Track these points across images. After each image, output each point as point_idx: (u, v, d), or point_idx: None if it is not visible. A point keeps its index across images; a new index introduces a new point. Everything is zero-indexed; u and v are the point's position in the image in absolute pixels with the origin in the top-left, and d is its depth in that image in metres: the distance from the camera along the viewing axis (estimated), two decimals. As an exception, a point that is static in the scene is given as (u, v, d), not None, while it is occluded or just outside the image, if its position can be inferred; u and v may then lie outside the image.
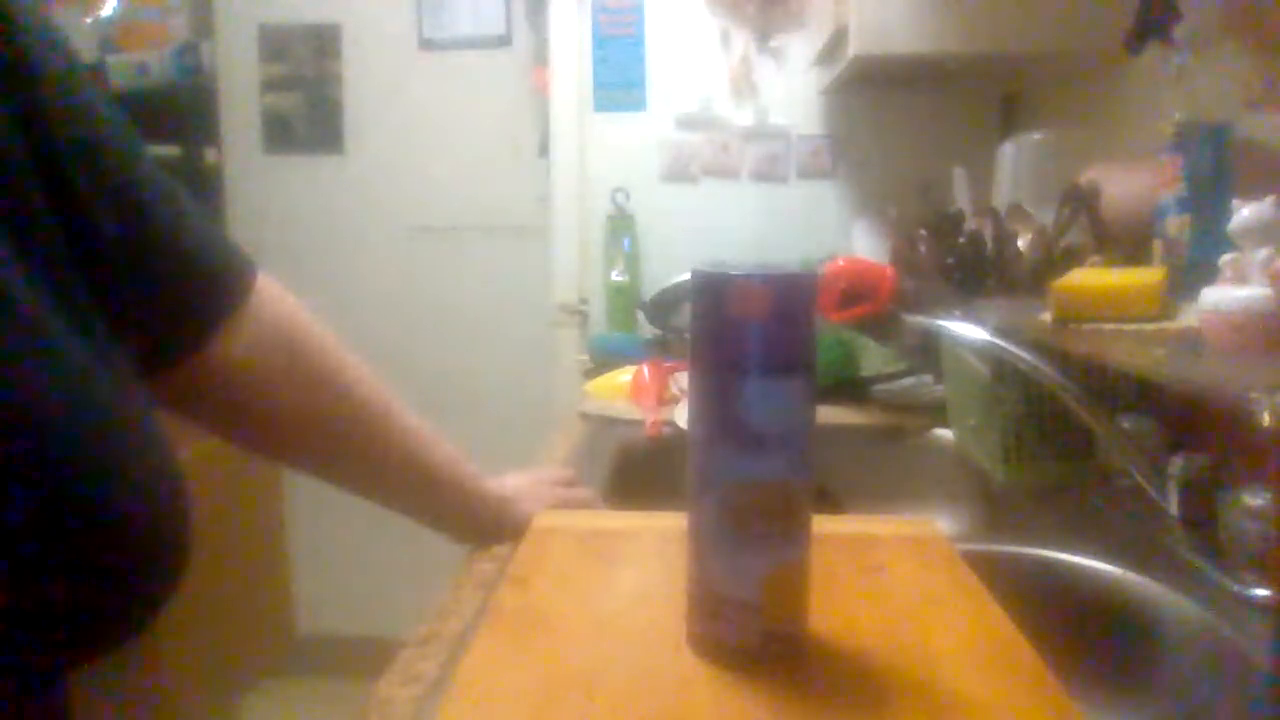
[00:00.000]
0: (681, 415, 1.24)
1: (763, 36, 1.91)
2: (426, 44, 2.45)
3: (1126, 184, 1.07)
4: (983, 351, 0.95)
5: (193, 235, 0.54)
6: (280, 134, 2.53)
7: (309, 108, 2.51)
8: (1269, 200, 0.70)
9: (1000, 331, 0.85)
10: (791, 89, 1.92)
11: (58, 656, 0.38)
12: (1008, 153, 1.50)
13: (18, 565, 0.35)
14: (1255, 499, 0.68)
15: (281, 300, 0.63)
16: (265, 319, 0.61)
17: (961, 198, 1.57)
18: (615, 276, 1.92)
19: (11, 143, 0.40)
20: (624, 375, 1.44)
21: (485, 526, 0.76)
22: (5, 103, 0.40)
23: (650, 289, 1.80)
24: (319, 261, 2.52)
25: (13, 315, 0.37)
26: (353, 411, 0.67)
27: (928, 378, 1.35)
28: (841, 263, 1.32)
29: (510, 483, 0.80)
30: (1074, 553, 0.77)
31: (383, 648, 0.62)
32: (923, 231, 1.35)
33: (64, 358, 0.39)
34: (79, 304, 0.41)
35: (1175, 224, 0.91)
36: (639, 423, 1.27)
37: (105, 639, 0.40)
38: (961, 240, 1.27)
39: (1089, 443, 0.93)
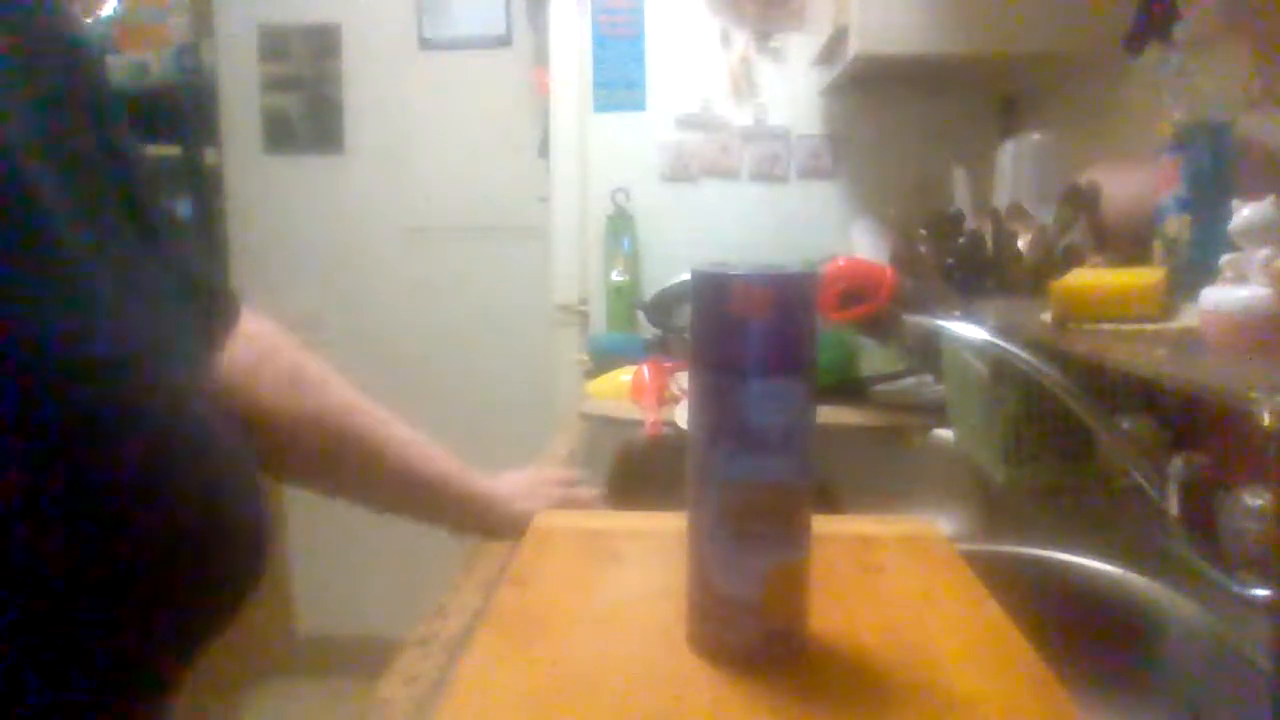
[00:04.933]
0: (681, 415, 1.24)
1: (763, 36, 1.91)
2: (426, 44, 2.45)
3: (1126, 184, 1.06)
4: (983, 351, 0.95)
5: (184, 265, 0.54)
6: (280, 134, 2.53)
7: (309, 108, 2.51)
8: (1269, 200, 0.69)
9: (1000, 331, 0.85)
10: (791, 89, 1.92)
11: (168, 661, 0.39)
12: (1008, 153, 1.50)
13: (135, 574, 0.35)
14: (1255, 499, 0.68)
15: (270, 335, 0.64)
16: (256, 351, 0.61)
17: (961, 198, 1.57)
18: (615, 276, 1.91)
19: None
20: (624, 375, 1.44)
21: (482, 525, 0.76)
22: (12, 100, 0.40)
23: (650, 289, 1.80)
24: (319, 261, 2.52)
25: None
26: (343, 433, 0.68)
27: (928, 378, 1.35)
28: (841, 263, 1.32)
29: (510, 482, 0.80)
30: (1074, 553, 0.77)
31: (383, 648, 0.62)
32: (923, 231, 1.35)
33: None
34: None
35: (1175, 224, 0.90)
36: (639, 423, 1.27)
37: (205, 638, 0.40)
38: (961, 240, 1.27)
39: (1089, 443, 0.93)
